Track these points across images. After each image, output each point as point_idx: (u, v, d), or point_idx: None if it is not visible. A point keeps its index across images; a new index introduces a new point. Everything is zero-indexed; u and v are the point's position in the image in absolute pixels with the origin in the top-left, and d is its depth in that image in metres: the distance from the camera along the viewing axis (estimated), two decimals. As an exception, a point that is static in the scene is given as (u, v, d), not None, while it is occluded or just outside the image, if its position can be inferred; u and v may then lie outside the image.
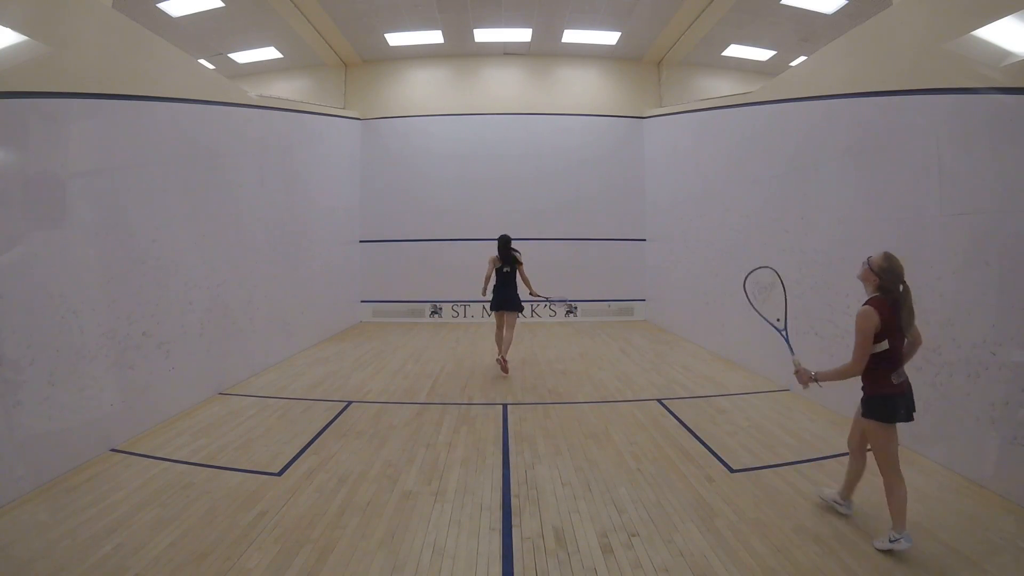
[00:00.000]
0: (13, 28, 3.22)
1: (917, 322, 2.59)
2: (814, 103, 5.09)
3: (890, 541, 2.45)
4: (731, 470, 3.42)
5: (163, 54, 4.79)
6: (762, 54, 9.89)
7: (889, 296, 2.53)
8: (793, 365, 2.86)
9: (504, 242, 6.04)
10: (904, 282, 2.54)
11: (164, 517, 2.82)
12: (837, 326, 4.55)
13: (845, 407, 4.44)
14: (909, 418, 2.56)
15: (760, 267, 3.59)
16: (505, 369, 5.89)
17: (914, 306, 2.55)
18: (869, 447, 2.69)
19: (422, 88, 10.45)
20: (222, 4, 7.87)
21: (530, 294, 6.16)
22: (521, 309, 6.14)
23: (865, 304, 2.53)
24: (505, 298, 6.01)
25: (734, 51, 9.87)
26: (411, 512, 2.90)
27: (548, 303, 7.45)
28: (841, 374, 2.59)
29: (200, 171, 5.17)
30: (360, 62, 10.40)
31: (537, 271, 10.00)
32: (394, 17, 8.79)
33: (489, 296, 6.14)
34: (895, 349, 2.51)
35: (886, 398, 2.52)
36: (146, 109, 4.39)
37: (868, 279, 2.59)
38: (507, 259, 6.00)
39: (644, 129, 10.35)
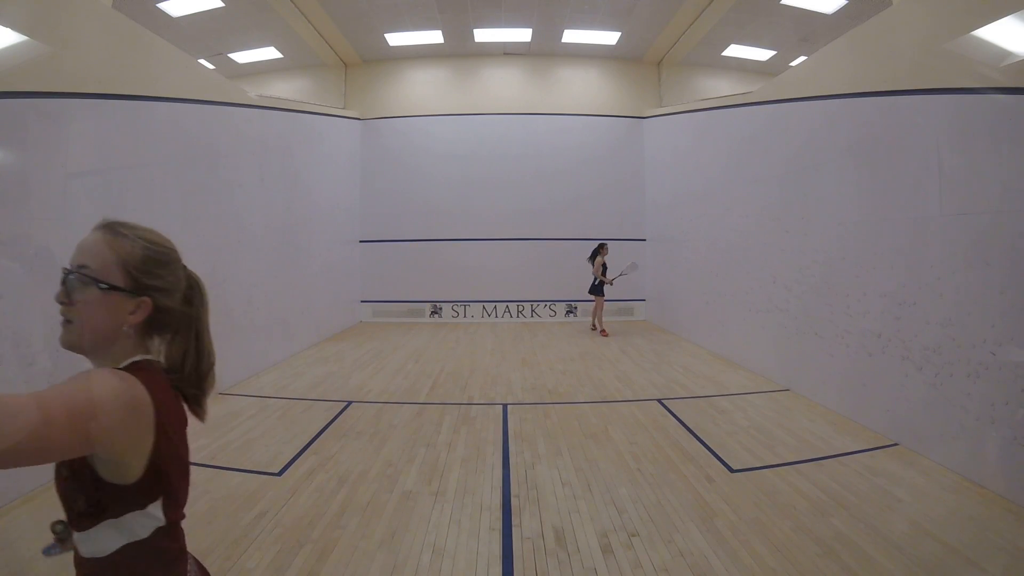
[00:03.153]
0: (13, 28, 3.21)
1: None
2: (814, 103, 5.09)
3: None
4: (731, 470, 3.42)
5: (163, 54, 4.78)
6: (762, 54, 9.88)
7: None
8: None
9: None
10: None
11: (164, 517, 2.81)
12: (837, 326, 4.55)
13: (845, 407, 4.45)
14: None
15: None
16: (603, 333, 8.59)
17: None
18: None
19: (422, 88, 10.44)
20: (222, 4, 7.87)
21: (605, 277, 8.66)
22: (595, 292, 8.72)
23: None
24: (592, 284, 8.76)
25: (734, 51, 9.86)
26: (411, 512, 2.90)
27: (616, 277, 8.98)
28: None
29: (200, 171, 5.17)
30: (360, 62, 10.40)
31: (537, 271, 10.16)
32: (394, 17, 8.79)
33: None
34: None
35: None
36: (146, 109, 4.39)
37: None
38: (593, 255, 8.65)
39: (644, 129, 10.35)
